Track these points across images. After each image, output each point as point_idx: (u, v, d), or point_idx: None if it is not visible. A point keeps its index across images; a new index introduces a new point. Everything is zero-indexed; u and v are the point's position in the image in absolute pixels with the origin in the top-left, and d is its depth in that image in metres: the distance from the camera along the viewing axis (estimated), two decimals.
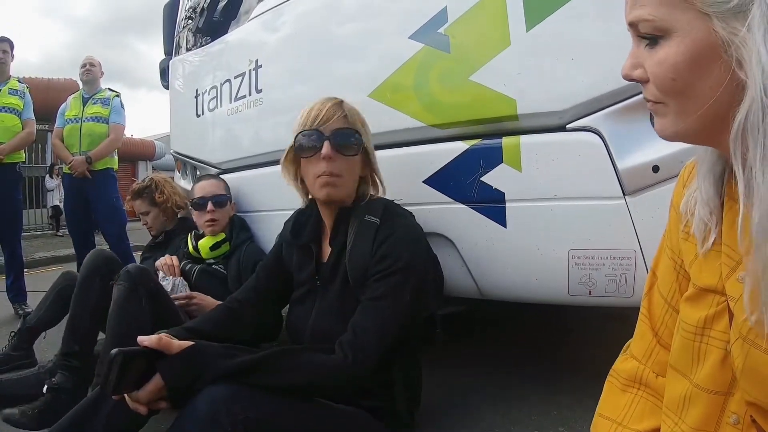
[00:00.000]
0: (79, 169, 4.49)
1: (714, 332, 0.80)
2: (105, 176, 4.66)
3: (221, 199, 2.62)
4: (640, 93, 1.49)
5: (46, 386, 2.29)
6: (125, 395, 1.36)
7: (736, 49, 0.65)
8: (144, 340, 1.34)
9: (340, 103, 1.70)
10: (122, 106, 4.78)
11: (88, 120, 4.61)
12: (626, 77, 0.78)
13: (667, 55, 0.70)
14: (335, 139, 1.65)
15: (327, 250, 1.77)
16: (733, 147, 0.68)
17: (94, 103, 4.67)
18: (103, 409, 1.67)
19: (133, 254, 4.89)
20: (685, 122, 0.73)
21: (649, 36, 0.72)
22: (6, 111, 4.37)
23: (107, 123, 4.65)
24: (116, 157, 4.84)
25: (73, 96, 4.82)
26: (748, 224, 0.68)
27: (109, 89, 4.85)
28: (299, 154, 1.69)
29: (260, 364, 1.39)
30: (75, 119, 4.64)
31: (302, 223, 1.85)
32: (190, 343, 1.39)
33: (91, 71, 4.72)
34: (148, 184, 3.07)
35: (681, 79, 0.70)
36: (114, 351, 1.28)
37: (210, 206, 2.59)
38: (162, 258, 2.61)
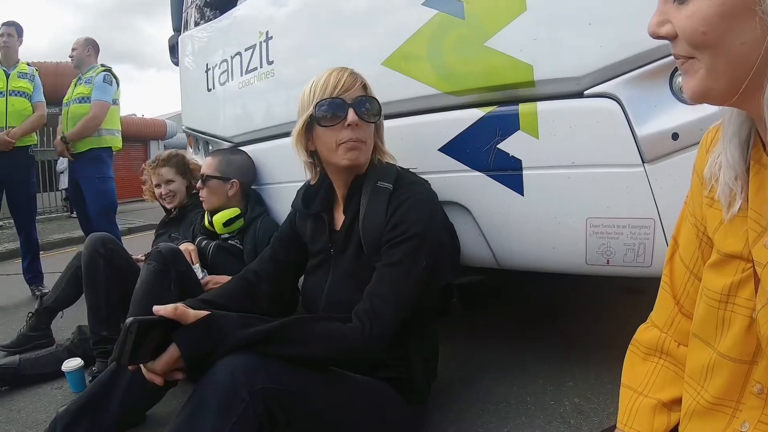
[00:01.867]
0: (58, 150, 4.50)
1: (739, 299, 0.79)
2: (90, 157, 4.52)
3: (204, 178, 2.65)
4: (660, 59, 1.50)
5: (89, 378, 2.40)
6: (141, 366, 1.36)
7: None
8: (160, 309, 1.33)
9: (354, 72, 1.68)
10: (108, 81, 4.51)
11: (74, 102, 4.53)
12: (653, 35, 0.74)
13: (697, 8, 0.67)
14: (358, 105, 1.64)
15: (340, 218, 1.76)
16: (766, 111, 0.65)
17: (80, 84, 4.57)
18: (120, 383, 1.68)
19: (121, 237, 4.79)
20: (716, 80, 0.70)
21: None
22: (16, 95, 4.39)
23: (90, 102, 4.46)
24: (107, 136, 4.60)
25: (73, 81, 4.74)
26: None
27: (101, 65, 4.66)
28: (320, 123, 1.65)
29: (277, 333, 1.39)
30: (66, 103, 4.59)
31: (313, 193, 1.84)
32: (206, 312, 1.39)
33: (73, 56, 4.64)
34: (177, 153, 3.08)
35: (712, 32, 0.66)
36: (129, 320, 1.28)
37: (198, 183, 2.70)
38: (184, 246, 2.61)
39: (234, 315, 1.43)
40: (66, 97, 4.63)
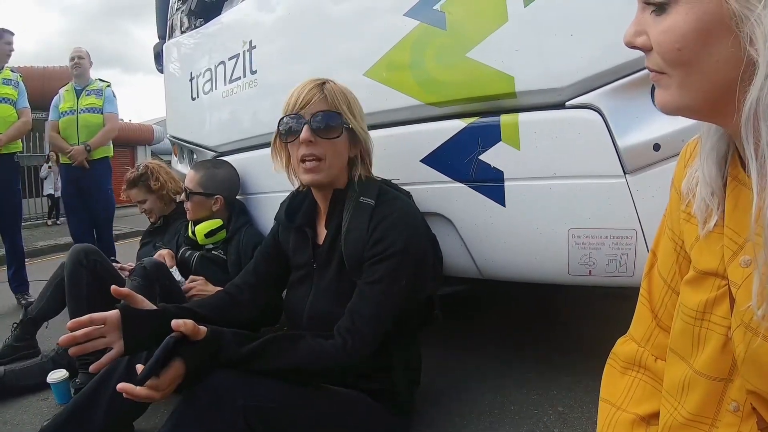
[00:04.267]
0: (79, 158, 4.59)
1: (714, 317, 0.78)
2: (102, 165, 4.81)
3: (188, 193, 2.64)
4: (641, 70, 1.51)
5: (74, 389, 2.35)
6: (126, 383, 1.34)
7: (750, 25, 0.61)
8: (180, 325, 1.30)
9: (321, 85, 1.66)
10: (114, 95, 4.90)
11: (84, 111, 4.72)
12: (628, 44, 0.73)
13: (674, 23, 0.66)
14: (315, 122, 1.61)
15: (323, 232, 1.75)
16: (744, 131, 0.64)
17: (88, 95, 4.76)
18: (104, 396, 1.67)
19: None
20: (688, 96, 0.69)
21: (657, 2, 0.68)
22: (2, 101, 4.36)
23: (101, 113, 4.77)
24: (111, 145, 4.97)
25: (65, 89, 4.86)
26: (761, 214, 0.65)
27: (100, 80, 4.95)
28: (281, 139, 1.68)
29: (262, 350, 1.39)
30: (70, 111, 4.72)
31: (296, 206, 1.83)
32: (205, 328, 1.37)
33: (80, 64, 4.80)
34: (143, 172, 3.08)
35: (687, 50, 0.66)
36: (168, 338, 1.28)
37: (182, 195, 2.73)
38: (158, 252, 2.61)
39: (228, 332, 1.42)
40: (66, 106, 4.75)
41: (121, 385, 1.25)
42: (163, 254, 2.55)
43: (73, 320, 1.37)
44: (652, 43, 0.70)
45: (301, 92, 1.63)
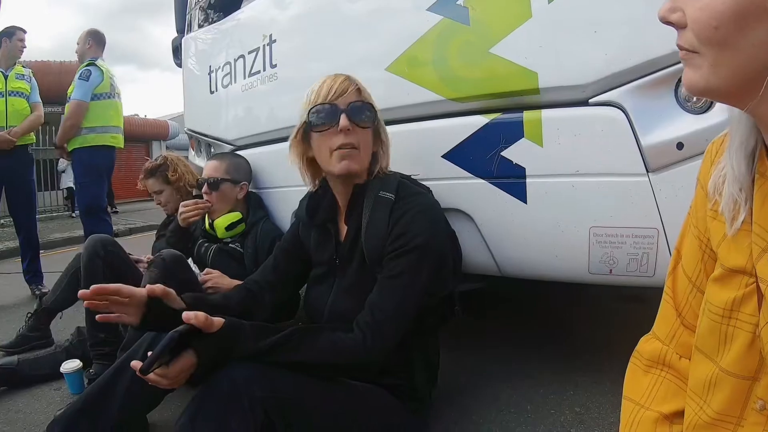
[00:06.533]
0: (56, 153, 4.67)
1: (742, 315, 0.77)
2: (75, 158, 4.51)
3: (214, 182, 2.60)
4: (665, 67, 1.49)
5: (87, 380, 2.39)
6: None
7: None
8: (191, 317, 1.30)
9: (349, 77, 1.68)
10: (83, 77, 4.38)
11: (68, 101, 4.46)
12: (662, 20, 0.72)
13: (712, 0, 0.65)
14: (351, 111, 1.62)
15: (343, 229, 1.75)
16: None
17: (73, 81, 4.49)
18: (119, 387, 1.67)
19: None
20: (719, 77, 0.67)
21: None
22: (16, 95, 4.45)
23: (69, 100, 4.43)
24: (89, 135, 4.45)
25: None
26: None
27: (90, 60, 4.51)
28: (313, 129, 1.65)
29: (282, 344, 1.39)
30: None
31: (316, 203, 1.82)
32: (222, 320, 1.38)
33: (77, 51, 4.65)
34: (161, 162, 3.07)
35: (723, 28, 0.64)
36: (172, 333, 1.28)
37: (204, 188, 2.63)
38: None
39: (247, 326, 1.42)
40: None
41: (135, 363, 1.26)
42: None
43: (98, 285, 1.39)
44: (688, 19, 0.68)
45: (333, 83, 1.63)
